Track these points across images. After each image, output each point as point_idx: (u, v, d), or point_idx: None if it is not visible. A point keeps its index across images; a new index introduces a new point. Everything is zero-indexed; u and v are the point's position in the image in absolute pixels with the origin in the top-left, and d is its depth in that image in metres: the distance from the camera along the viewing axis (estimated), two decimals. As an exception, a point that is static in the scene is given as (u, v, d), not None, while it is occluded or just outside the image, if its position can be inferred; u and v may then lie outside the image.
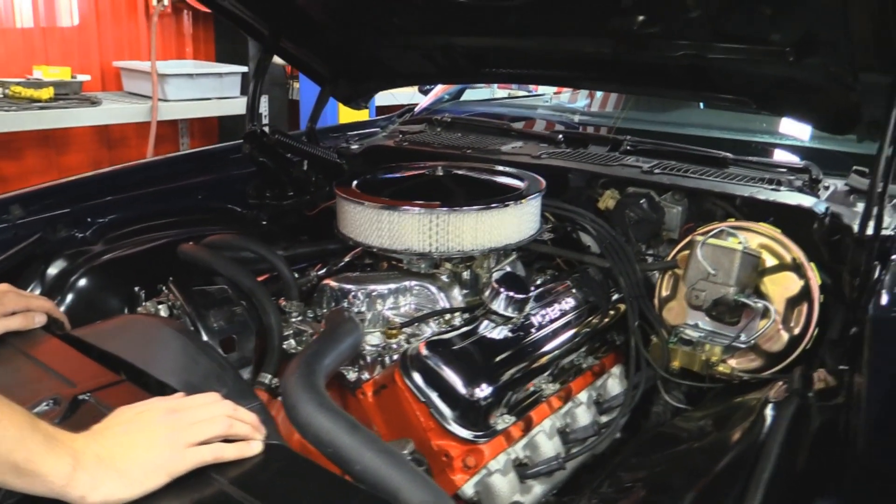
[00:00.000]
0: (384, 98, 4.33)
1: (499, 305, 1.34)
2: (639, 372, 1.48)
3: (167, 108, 3.73)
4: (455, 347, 1.28)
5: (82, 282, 1.75)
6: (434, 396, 1.22)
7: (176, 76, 3.74)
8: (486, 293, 1.35)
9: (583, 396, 1.49)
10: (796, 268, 1.47)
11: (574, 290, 1.60)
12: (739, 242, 1.37)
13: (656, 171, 1.84)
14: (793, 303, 1.46)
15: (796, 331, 1.46)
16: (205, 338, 1.35)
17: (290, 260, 1.66)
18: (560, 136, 2.22)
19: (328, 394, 1.02)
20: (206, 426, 0.84)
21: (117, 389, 1.00)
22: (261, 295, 1.41)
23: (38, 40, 3.82)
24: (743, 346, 1.46)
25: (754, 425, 1.03)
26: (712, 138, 2.19)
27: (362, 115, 4.15)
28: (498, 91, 3.51)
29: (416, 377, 1.23)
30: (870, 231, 1.30)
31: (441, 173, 1.63)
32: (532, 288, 1.57)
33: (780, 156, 2.14)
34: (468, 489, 1.21)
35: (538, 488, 1.32)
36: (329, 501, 0.76)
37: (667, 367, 1.52)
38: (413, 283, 1.49)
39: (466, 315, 1.42)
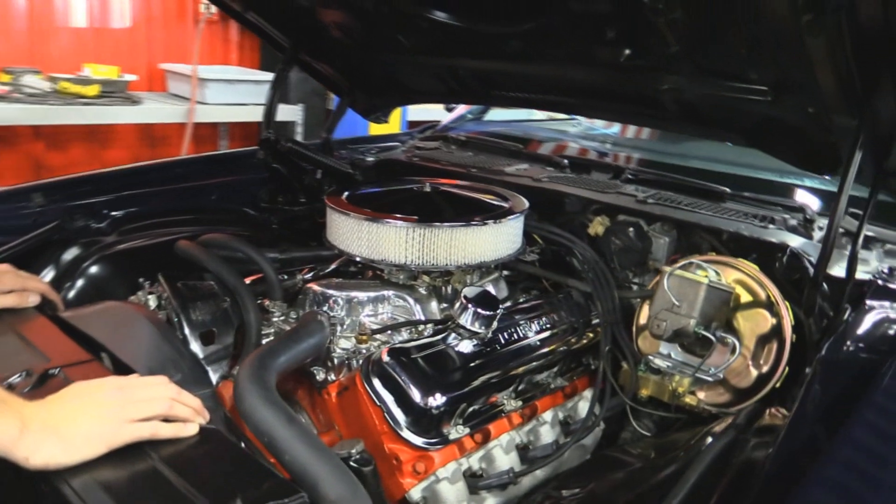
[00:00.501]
0: (417, 113, 4.45)
1: (466, 320, 1.38)
2: (603, 396, 1.51)
3: (206, 111, 3.89)
4: (416, 356, 1.33)
5: (93, 269, 1.85)
6: (389, 401, 1.27)
7: (216, 81, 3.89)
8: (456, 307, 1.40)
9: (547, 415, 1.52)
10: (769, 305, 1.48)
11: (551, 312, 1.63)
12: (706, 276, 1.39)
13: (650, 200, 1.87)
14: (763, 340, 1.47)
15: (765, 368, 1.47)
16: (186, 329, 1.43)
17: (285, 263, 1.73)
18: (565, 160, 2.27)
19: (275, 389, 1.08)
20: (148, 405, 0.91)
21: (86, 367, 1.08)
22: (242, 292, 1.48)
23: (91, 40, 4.02)
24: (710, 379, 1.48)
25: (687, 454, 1.06)
26: (739, 176, 2.18)
27: (393, 128, 4.26)
28: (537, 113, 3.56)
29: (375, 382, 1.28)
30: (837, 272, 1.31)
31: (428, 189, 1.68)
32: (508, 305, 1.62)
33: (802, 197, 2.13)
34: (415, 493, 1.26)
35: (490, 501, 1.35)
36: (242, 483, 0.81)
37: (635, 394, 1.55)
38: (391, 293, 1.55)
39: (439, 327, 1.47)
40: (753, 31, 1.18)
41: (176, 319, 1.43)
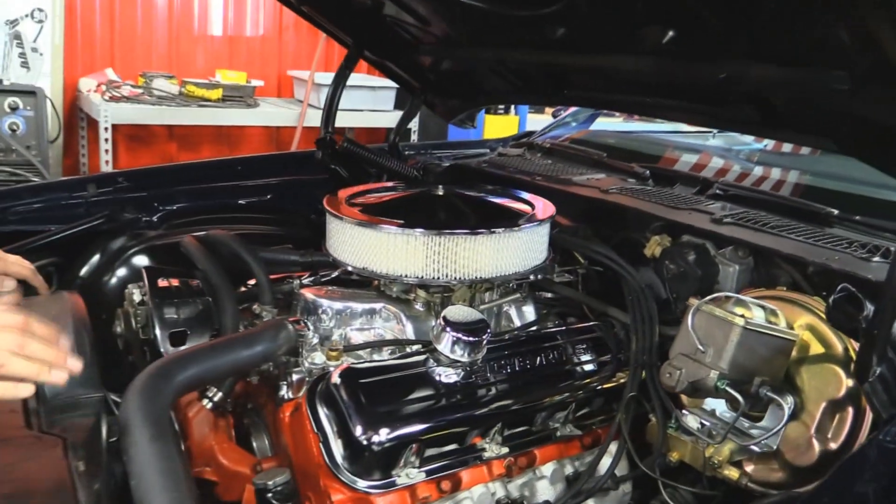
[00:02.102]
0: (538, 123, 4.24)
1: (444, 345, 1.18)
2: (617, 453, 1.23)
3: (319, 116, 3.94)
4: (372, 381, 1.14)
5: (135, 259, 1.86)
6: (329, 431, 1.10)
7: (329, 86, 3.93)
8: (434, 329, 1.20)
9: (547, 469, 1.26)
10: (847, 363, 1.12)
11: (575, 345, 1.37)
12: (748, 315, 1.06)
13: (727, 220, 1.54)
14: (834, 407, 1.12)
15: (833, 445, 1.11)
16: (157, 327, 1.35)
17: (306, 266, 1.62)
18: (647, 171, 1.98)
19: (167, 402, 0.94)
20: None
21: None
22: (223, 294, 1.38)
23: (225, 47, 4.25)
24: (756, 449, 1.15)
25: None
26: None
27: (511, 130, 4.06)
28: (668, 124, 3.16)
29: (319, 406, 1.12)
30: None
31: (441, 192, 1.49)
32: (510, 332, 1.38)
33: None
34: (348, 543, 1.07)
35: (449, 564, 1.13)
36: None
37: (665, 457, 1.25)
38: (383, 306, 1.38)
39: (420, 349, 1.27)
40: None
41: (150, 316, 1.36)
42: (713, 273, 1.44)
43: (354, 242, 1.34)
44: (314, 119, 4.00)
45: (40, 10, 3.34)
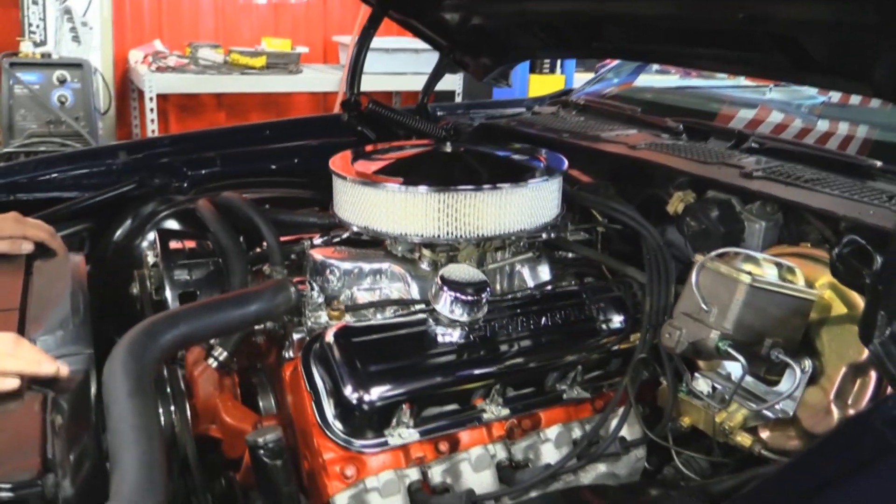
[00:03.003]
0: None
1: (442, 305, 1.15)
2: (619, 416, 1.18)
3: (363, 79, 3.91)
4: (367, 340, 1.13)
5: (165, 224, 1.90)
6: (322, 390, 1.09)
7: (373, 50, 3.89)
8: (432, 289, 1.17)
9: (551, 432, 1.23)
10: (872, 323, 1.04)
11: (586, 305, 1.32)
12: (758, 272, 0.99)
13: (757, 174, 1.45)
14: (855, 371, 1.04)
15: (853, 411, 1.03)
16: (167, 287, 1.37)
17: (324, 227, 1.61)
18: (680, 126, 1.88)
19: (153, 360, 0.95)
20: None
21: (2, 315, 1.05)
22: (231, 256, 1.39)
23: (270, 15, 4.26)
24: (770, 415, 1.08)
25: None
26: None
27: (557, 86, 3.94)
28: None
29: (313, 365, 1.12)
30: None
31: (449, 150, 1.44)
32: (523, 291, 1.34)
33: None
34: (340, 500, 1.07)
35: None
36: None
37: (676, 422, 1.20)
38: (390, 265, 1.36)
39: (422, 308, 1.25)
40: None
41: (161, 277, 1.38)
42: (738, 230, 1.36)
43: (357, 201, 1.32)
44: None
45: (89, -17, 3.43)
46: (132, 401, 0.86)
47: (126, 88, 3.89)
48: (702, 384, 1.13)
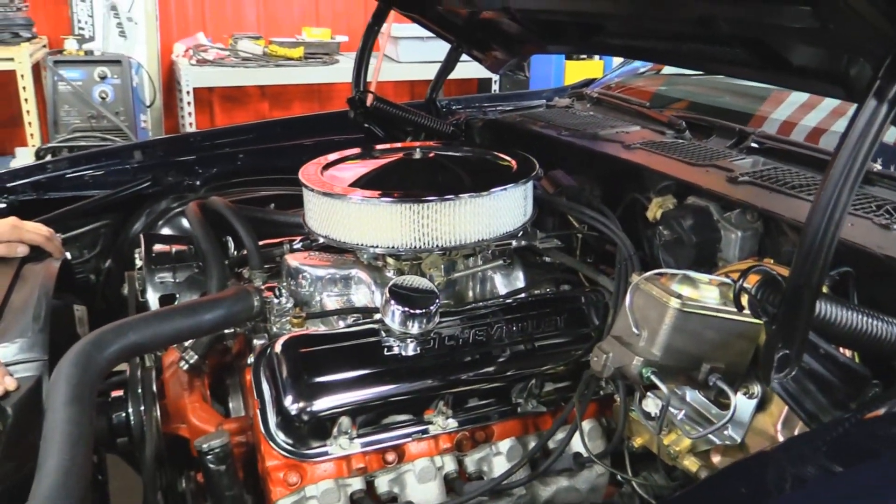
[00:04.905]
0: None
1: (390, 318, 1.16)
2: (568, 433, 1.17)
3: (398, 69, 3.93)
4: (314, 350, 1.15)
5: (177, 219, 1.98)
6: (267, 398, 1.13)
7: (408, 38, 3.90)
8: (381, 301, 1.18)
9: (504, 445, 1.22)
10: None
11: (547, 316, 1.30)
12: (679, 296, 0.95)
13: (743, 178, 1.39)
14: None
15: (800, 439, 0.99)
16: (149, 290, 1.43)
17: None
18: (683, 122, 1.81)
19: (99, 371, 1.00)
20: None
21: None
22: (210, 259, 1.43)
23: (310, 4, 4.31)
24: (718, 441, 1.05)
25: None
26: None
27: (594, 75, 3.85)
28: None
29: (262, 372, 1.15)
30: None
31: (418, 156, 1.44)
32: (485, 301, 1.33)
33: None
34: (283, 507, 1.10)
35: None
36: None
37: (628, 440, 1.17)
38: (357, 272, 1.37)
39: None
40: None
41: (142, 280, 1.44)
42: (713, 239, 1.31)
43: (320, 211, 1.34)
44: (391, 73, 4.01)
45: (132, -20, 3.56)
46: (66, 409, 0.91)
47: (172, 81, 4.03)
48: (650, 405, 1.09)
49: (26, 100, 3.39)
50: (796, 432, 0.99)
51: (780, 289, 0.79)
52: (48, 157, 2.62)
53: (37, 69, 3.54)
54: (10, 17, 3.36)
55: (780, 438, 1.01)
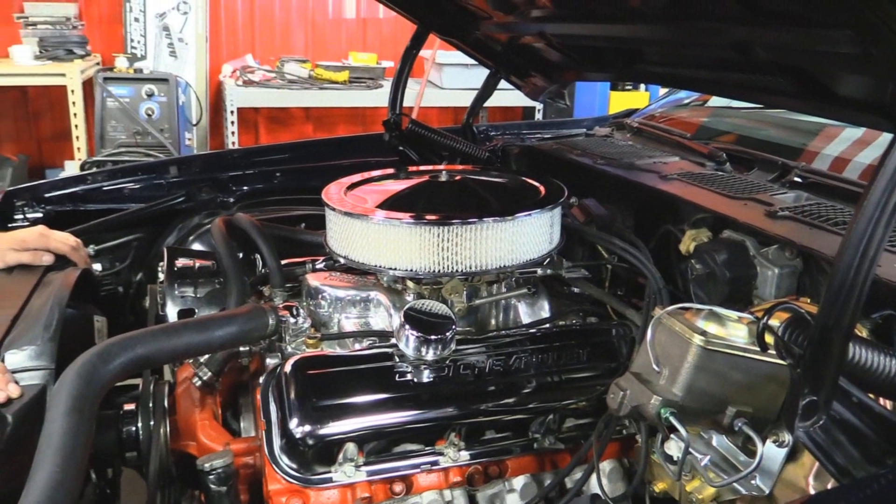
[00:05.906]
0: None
1: (403, 343, 1.13)
2: (584, 474, 1.10)
3: (441, 95, 3.94)
4: (323, 373, 1.12)
5: (208, 236, 2.00)
6: (274, 419, 1.10)
7: (452, 65, 3.92)
8: (395, 325, 1.15)
9: (518, 482, 1.16)
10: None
11: (570, 349, 1.25)
12: (703, 332, 0.89)
13: (783, 212, 1.32)
14: (839, 449, 0.91)
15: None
16: (168, 305, 1.43)
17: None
18: (723, 154, 1.75)
19: (103, 384, 0.99)
20: None
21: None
22: (231, 276, 1.42)
23: (357, 30, 4.37)
24: (744, 491, 0.97)
25: None
26: None
27: (640, 103, 3.79)
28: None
29: (270, 392, 1.12)
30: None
31: (444, 178, 1.41)
32: (508, 330, 1.28)
33: None
34: (284, 533, 1.07)
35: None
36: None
37: (648, 484, 1.11)
38: (376, 295, 1.34)
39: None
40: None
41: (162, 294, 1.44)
42: (749, 276, 1.24)
43: (340, 231, 1.32)
44: (434, 99, 4.02)
45: (185, 2, 3.67)
46: (64, 420, 0.90)
47: (220, 101, 4.12)
48: (673, 448, 1.03)
49: (76, 115, 3.51)
50: (829, 486, 0.92)
51: (808, 329, 0.73)
52: (64, 175, 2.69)
53: (88, 86, 3.67)
54: (65, 35, 3.51)
55: (812, 492, 0.93)
